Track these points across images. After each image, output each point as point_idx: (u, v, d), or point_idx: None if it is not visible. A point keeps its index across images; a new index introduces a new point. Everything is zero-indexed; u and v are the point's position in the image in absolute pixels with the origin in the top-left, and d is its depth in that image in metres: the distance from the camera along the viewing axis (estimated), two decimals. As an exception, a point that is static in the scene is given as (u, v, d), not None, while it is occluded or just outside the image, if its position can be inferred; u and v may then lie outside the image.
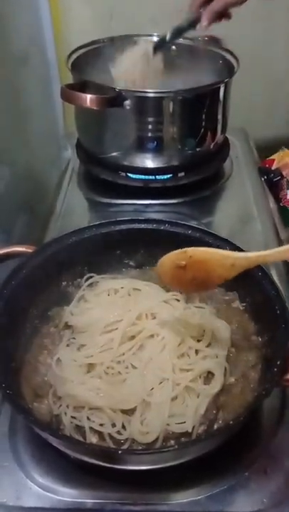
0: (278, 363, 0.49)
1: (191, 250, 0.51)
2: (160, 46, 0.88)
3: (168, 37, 0.87)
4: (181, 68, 0.92)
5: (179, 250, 0.52)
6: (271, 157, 1.05)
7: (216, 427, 0.52)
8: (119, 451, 0.46)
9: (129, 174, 0.91)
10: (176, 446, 0.48)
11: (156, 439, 0.51)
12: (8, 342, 0.56)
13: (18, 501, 0.52)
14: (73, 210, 0.92)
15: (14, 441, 0.57)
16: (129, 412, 0.53)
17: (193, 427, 0.52)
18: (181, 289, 0.59)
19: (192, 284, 0.53)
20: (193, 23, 0.83)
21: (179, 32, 0.86)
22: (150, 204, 0.90)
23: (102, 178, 0.92)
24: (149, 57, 0.87)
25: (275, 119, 1.23)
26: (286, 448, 0.56)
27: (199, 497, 0.52)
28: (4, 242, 0.78)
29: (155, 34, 0.96)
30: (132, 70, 0.87)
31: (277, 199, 0.98)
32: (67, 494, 0.52)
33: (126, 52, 0.89)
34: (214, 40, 0.96)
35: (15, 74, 0.88)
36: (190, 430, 0.51)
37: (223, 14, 0.80)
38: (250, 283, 0.59)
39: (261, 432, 0.57)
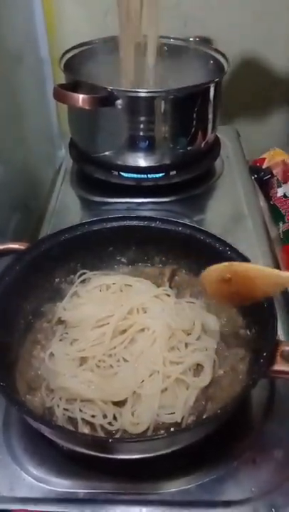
0: (265, 354, 0.51)
1: (237, 265, 0.52)
2: None
3: None
4: (172, 68, 0.93)
5: (225, 264, 0.53)
6: (262, 156, 1.07)
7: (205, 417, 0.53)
8: (110, 440, 0.48)
9: (122, 173, 0.92)
10: (166, 434, 0.49)
11: (147, 430, 0.52)
12: (2, 337, 0.57)
13: (12, 492, 0.53)
14: (67, 208, 0.93)
15: (8, 435, 0.58)
16: (120, 404, 0.54)
17: (183, 418, 0.53)
18: (225, 301, 0.59)
19: (235, 298, 0.54)
20: None
21: None
22: (143, 202, 0.92)
23: (95, 176, 0.93)
24: None
25: (266, 118, 1.24)
26: (274, 438, 0.57)
27: (189, 486, 0.53)
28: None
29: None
30: None
31: (268, 197, 0.99)
32: (59, 485, 0.54)
33: None
34: (205, 41, 0.97)
35: (9, 73, 0.89)
36: (179, 420, 0.52)
37: None
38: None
39: (250, 423, 0.58)
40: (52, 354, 0.58)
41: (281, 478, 0.53)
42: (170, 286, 0.67)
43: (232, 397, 0.51)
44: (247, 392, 0.52)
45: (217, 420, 0.49)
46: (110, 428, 0.52)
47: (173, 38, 0.98)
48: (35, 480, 0.54)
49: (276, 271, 0.51)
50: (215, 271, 0.54)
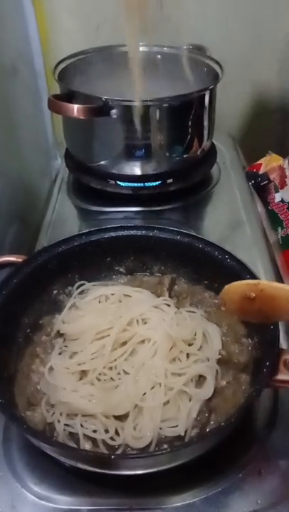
0: (268, 364, 0.50)
1: (264, 284, 0.50)
2: None
3: None
4: (166, 77, 0.93)
5: (251, 281, 0.51)
6: (258, 162, 1.07)
7: (208, 429, 0.53)
8: (113, 456, 0.47)
9: (119, 182, 0.92)
10: (169, 449, 0.48)
11: (150, 444, 0.51)
12: (1, 351, 0.56)
13: (13, 510, 0.52)
14: (64, 218, 0.93)
15: (8, 451, 0.57)
16: (122, 418, 0.53)
17: (186, 431, 0.52)
18: (245, 319, 0.57)
19: (258, 316, 0.52)
20: None
21: None
22: (140, 211, 0.91)
23: (91, 186, 0.93)
24: None
25: (261, 124, 1.24)
26: (279, 449, 0.56)
27: (194, 500, 0.52)
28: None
29: (141, 44, 0.97)
30: None
31: (266, 203, 0.99)
32: (62, 502, 0.53)
33: None
34: (199, 49, 0.97)
35: (3, 86, 0.89)
36: (182, 434, 0.51)
37: None
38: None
39: (254, 434, 0.57)
40: (51, 368, 0.58)
41: (287, 489, 0.52)
42: (170, 296, 0.67)
43: (236, 409, 0.50)
44: (250, 402, 0.51)
45: (221, 433, 0.48)
46: (112, 443, 0.51)
47: (167, 47, 0.98)
48: (37, 497, 0.53)
49: None
50: (239, 287, 0.52)
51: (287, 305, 0.48)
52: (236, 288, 0.52)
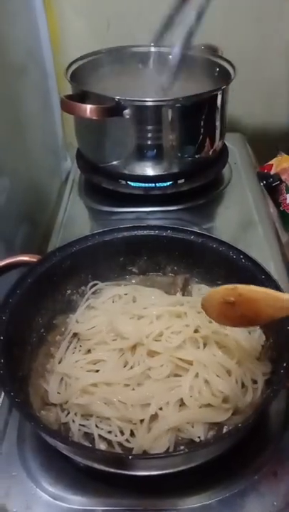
0: (285, 365, 0.50)
1: (242, 288, 0.49)
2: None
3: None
4: (179, 77, 0.93)
5: (229, 286, 0.50)
6: (269, 162, 1.07)
7: (224, 431, 0.52)
8: (130, 457, 0.46)
9: (130, 182, 0.92)
10: (186, 450, 0.48)
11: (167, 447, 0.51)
12: (15, 351, 0.56)
13: (28, 511, 0.52)
14: (75, 219, 0.93)
15: (23, 451, 0.57)
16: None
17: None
18: (227, 325, 0.56)
19: (239, 321, 0.51)
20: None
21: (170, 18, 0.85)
22: (151, 211, 0.91)
23: (103, 186, 0.93)
24: None
25: (273, 125, 1.24)
26: (295, 450, 0.56)
27: (210, 501, 0.52)
28: (6, 252, 0.79)
29: (152, 44, 0.98)
30: None
31: (277, 203, 0.99)
32: (77, 502, 0.52)
33: None
34: (211, 49, 0.97)
35: (13, 85, 0.89)
36: (200, 436, 0.51)
37: None
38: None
39: (269, 435, 0.57)
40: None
41: (304, 492, 0.52)
42: (183, 296, 0.66)
43: (253, 410, 0.50)
44: (267, 404, 0.51)
45: (238, 434, 0.48)
46: (128, 445, 0.51)
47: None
48: (52, 497, 0.53)
49: (283, 294, 0.48)
50: (217, 293, 0.51)
51: (266, 308, 0.48)
52: (216, 293, 0.51)
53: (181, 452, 0.47)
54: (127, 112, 0.81)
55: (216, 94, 0.87)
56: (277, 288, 0.58)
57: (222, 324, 0.56)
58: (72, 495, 0.53)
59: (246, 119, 1.21)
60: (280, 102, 1.23)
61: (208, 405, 0.53)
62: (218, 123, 0.90)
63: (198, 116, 0.87)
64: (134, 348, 0.58)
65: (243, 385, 0.55)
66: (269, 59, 1.17)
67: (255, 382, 0.56)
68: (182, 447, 0.51)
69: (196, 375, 0.55)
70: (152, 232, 0.69)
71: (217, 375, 0.55)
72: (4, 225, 0.84)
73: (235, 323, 0.53)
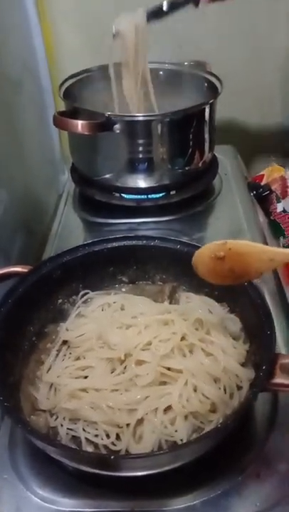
0: (264, 367, 0.51)
1: (231, 242, 0.51)
2: (155, 15, 0.85)
3: (165, 6, 0.84)
4: (168, 92, 0.96)
5: (219, 241, 0.52)
6: (260, 173, 1.09)
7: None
8: (112, 457, 0.48)
9: (123, 194, 0.94)
10: (167, 450, 0.49)
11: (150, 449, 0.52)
12: (7, 357, 0.58)
13: (19, 513, 0.54)
14: (70, 230, 0.95)
15: (14, 456, 0.58)
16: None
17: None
18: (218, 281, 0.57)
19: (229, 276, 0.53)
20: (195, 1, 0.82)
21: (176, 5, 0.83)
22: (143, 222, 0.93)
23: (96, 199, 0.96)
24: (141, 27, 0.84)
25: (263, 135, 1.26)
26: (278, 452, 0.57)
27: (195, 502, 0.53)
28: (3, 262, 0.81)
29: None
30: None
31: (267, 213, 1.01)
32: (66, 504, 0.54)
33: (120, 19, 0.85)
34: (199, 64, 1.00)
35: (10, 100, 0.91)
36: (182, 438, 0.53)
37: None
38: (238, 294, 0.62)
39: (254, 437, 0.58)
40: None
41: (285, 492, 0.53)
42: (170, 304, 0.68)
43: (233, 411, 0.52)
44: (247, 405, 0.53)
45: (218, 435, 0.49)
46: (113, 448, 0.53)
47: (168, 63, 1.01)
48: (42, 500, 0.54)
49: (271, 248, 0.51)
50: (208, 249, 0.53)
51: (255, 262, 0.50)
52: (206, 249, 0.54)
53: (162, 452, 0.49)
54: (117, 126, 0.84)
55: (204, 108, 0.89)
56: (257, 292, 0.60)
57: (213, 282, 0.57)
58: (61, 497, 0.54)
59: (236, 129, 1.24)
60: (272, 112, 1.25)
61: (196, 412, 0.54)
62: (206, 135, 0.93)
63: (187, 129, 0.89)
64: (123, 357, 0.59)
65: (226, 391, 0.57)
66: (261, 70, 1.20)
67: (240, 388, 0.57)
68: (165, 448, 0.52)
69: (186, 383, 0.56)
70: (140, 242, 0.71)
71: (204, 383, 0.56)
72: (2, 236, 0.86)
73: (225, 280, 0.55)
